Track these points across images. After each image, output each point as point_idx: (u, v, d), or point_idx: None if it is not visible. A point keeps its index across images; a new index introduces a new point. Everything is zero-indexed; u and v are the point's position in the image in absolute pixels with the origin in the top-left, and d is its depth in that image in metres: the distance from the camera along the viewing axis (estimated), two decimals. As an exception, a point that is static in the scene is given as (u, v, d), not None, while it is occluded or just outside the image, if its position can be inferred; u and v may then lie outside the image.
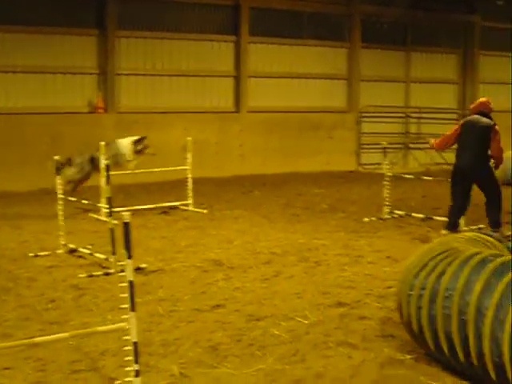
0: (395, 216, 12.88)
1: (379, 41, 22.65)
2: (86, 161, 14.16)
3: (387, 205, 12.93)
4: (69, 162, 13.87)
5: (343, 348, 6.11)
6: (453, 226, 10.98)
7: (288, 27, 20.98)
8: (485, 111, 11.12)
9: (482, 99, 11.57)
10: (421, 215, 12.80)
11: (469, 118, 11.25)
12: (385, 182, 12.99)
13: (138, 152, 14.32)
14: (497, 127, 10.85)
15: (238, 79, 20.27)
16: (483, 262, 5.38)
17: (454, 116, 23.49)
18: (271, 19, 20.71)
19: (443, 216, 12.00)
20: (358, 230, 11.86)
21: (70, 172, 13.88)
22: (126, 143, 14.37)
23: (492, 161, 10.95)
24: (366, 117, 21.99)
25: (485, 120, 10.93)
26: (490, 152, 10.88)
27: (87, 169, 14.17)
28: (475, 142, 10.87)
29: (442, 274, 5.47)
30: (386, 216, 12.82)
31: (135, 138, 14.49)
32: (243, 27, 20.17)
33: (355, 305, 7.41)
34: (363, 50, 22.23)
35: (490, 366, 5.08)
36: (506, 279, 5.12)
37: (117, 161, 13.96)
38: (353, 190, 17.13)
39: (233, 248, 10.43)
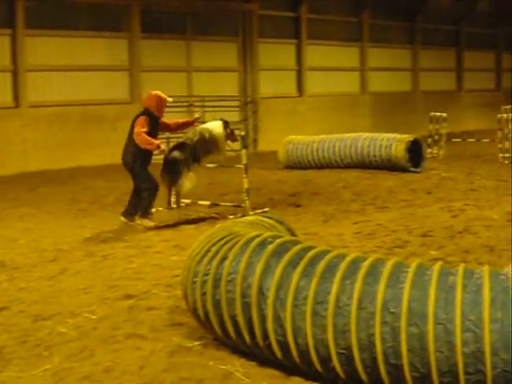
0: (182, 205, 12.81)
1: (159, 30, 22.64)
2: None
3: (174, 194, 12.88)
4: None
5: (132, 340, 6.07)
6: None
7: (65, 18, 20.51)
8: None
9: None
10: (207, 202, 12.93)
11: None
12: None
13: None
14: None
15: (15, 73, 19.62)
16: (263, 243, 5.50)
17: (237, 103, 24.00)
18: (47, 11, 20.16)
19: (229, 202, 12.28)
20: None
21: None
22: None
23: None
24: (150, 107, 21.92)
25: None
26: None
27: None
28: None
29: (225, 258, 5.54)
30: (173, 205, 12.77)
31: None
32: (19, 20, 19.49)
33: (143, 296, 7.37)
34: (143, 40, 22.13)
35: (274, 346, 5.20)
36: (285, 259, 5.26)
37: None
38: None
39: (17, 247, 10.08)
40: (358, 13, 28.93)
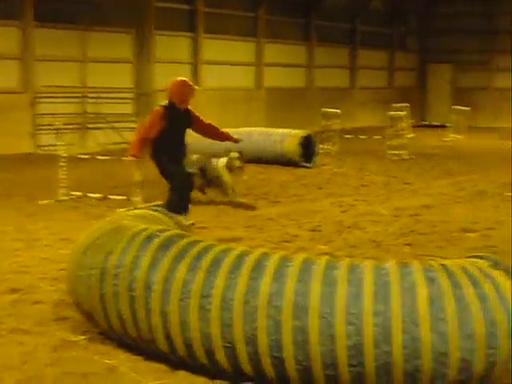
0: (72, 197, 12.73)
1: (53, 20, 22.15)
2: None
3: (64, 186, 12.76)
4: None
5: (15, 335, 5.93)
6: None
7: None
8: None
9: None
10: (98, 195, 12.78)
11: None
12: (61, 164, 12.84)
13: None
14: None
15: None
16: (150, 237, 5.46)
17: (131, 95, 23.77)
18: None
19: (120, 195, 12.16)
20: (35, 213, 11.60)
21: None
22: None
23: None
24: (42, 97, 21.51)
25: None
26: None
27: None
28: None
29: (111, 252, 5.48)
30: (63, 197, 12.63)
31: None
32: None
33: (28, 290, 7.21)
34: (37, 29, 21.62)
35: (160, 340, 5.18)
36: (172, 253, 5.24)
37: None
38: (29, 172, 16.74)
39: None
40: (254, 8, 29.03)
